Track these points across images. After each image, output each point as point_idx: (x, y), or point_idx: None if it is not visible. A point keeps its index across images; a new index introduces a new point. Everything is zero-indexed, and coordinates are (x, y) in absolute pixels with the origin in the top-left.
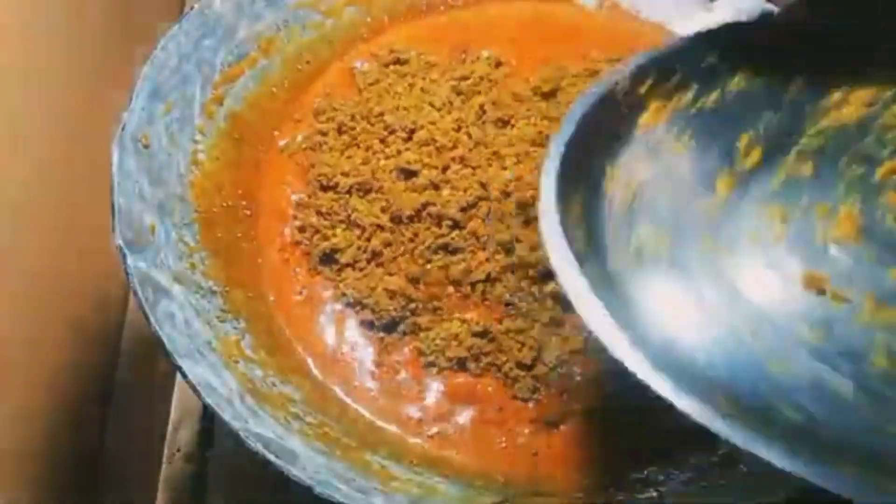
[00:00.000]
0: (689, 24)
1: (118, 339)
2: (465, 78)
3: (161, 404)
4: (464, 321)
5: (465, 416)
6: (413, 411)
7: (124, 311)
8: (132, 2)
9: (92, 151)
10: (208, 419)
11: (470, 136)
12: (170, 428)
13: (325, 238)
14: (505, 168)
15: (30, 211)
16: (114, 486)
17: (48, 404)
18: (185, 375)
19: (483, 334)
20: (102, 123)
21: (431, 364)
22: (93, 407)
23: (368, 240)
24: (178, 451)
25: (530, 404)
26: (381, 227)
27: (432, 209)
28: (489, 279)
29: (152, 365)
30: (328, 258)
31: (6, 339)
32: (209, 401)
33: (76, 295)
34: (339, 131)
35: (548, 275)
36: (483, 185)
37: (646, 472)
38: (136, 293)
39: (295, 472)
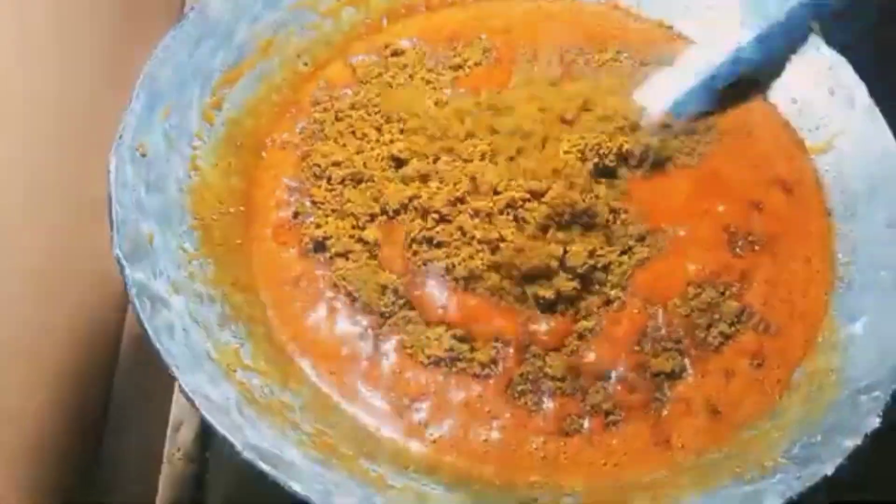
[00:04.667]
0: (688, 22)
1: (118, 339)
2: (459, 66)
3: (161, 404)
4: (449, 326)
5: (464, 421)
6: (411, 415)
7: (124, 311)
8: (132, 3)
9: (92, 153)
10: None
11: (462, 122)
12: (170, 428)
13: (318, 226)
14: (496, 164)
15: (29, 214)
16: (114, 486)
17: (49, 404)
18: (182, 388)
19: (463, 339)
20: (102, 125)
21: (412, 357)
22: (93, 407)
23: (362, 228)
24: (178, 451)
25: (532, 410)
26: (372, 218)
27: (418, 202)
28: (472, 276)
29: (152, 365)
30: (320, 246)
31: (6, 341)
32: (205, 413)
33: (76, 295)
34: (336, 118)
35: (531, 277)
36: (473, 180)
37: (648, 478)
38: (134, 306)
39: (292, 484)
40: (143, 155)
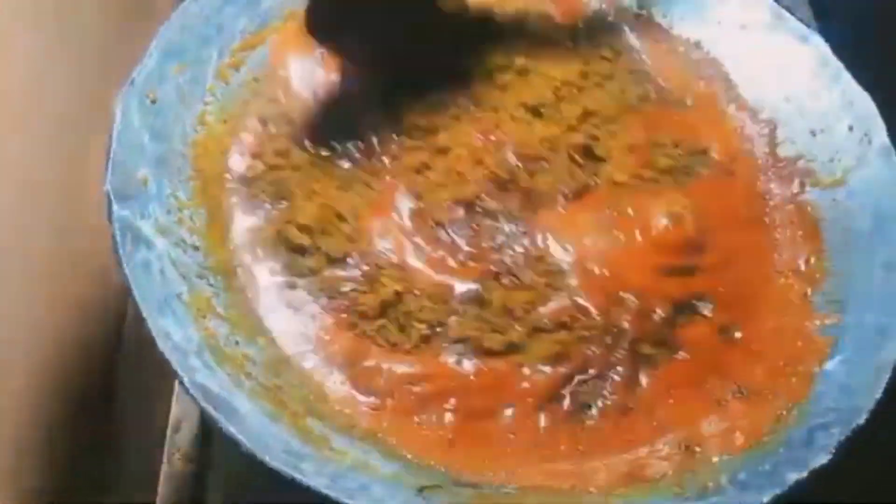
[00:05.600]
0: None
1: (118, 339)
2: None
3: (161, 404)
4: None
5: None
6: (370, 398)
7: (125, 311)
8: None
9: (93, 153)
10: (208, 420)
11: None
12: (170, 428)
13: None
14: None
15: (30, 211)
16: (114, 485)
17: (49, 405)
18: (146, 325)
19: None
20: (103, 124)
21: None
22: (93, 407)
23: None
24: (178, 451)
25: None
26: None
27: None
28: None
29: (153, 366)
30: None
31: (6, 340)
32: (163, 350)
33: (76, 296)
34: None
35: None
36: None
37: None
38: (114, 240)
39: (230, 427)
40: (153, 102)
